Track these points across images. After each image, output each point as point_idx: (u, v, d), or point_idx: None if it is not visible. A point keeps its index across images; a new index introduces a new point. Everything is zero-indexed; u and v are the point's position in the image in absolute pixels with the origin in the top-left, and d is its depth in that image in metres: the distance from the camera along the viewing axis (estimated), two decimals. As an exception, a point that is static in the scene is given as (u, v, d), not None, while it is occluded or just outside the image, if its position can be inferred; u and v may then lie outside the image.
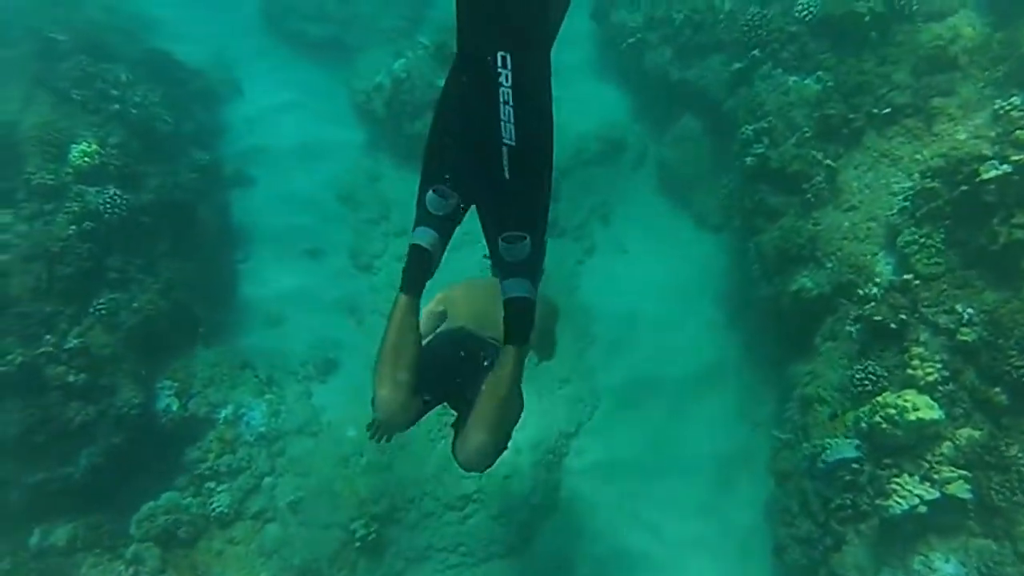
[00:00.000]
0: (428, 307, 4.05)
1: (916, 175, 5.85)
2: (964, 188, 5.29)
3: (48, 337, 6.14)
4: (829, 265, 6.16)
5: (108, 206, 6.73)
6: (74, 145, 6.94)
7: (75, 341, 6.24)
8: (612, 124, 8.81)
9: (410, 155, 8.83)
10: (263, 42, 10.60)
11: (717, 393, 7.31)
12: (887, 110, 6.29)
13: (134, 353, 6.77)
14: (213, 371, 7.43)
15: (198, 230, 7.89)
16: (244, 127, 9.74)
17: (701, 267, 7.99)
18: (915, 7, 6.57)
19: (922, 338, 5.29)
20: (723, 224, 7.94)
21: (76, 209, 6.58)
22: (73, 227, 6.52)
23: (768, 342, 7.13)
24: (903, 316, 5.36)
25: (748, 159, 6.71)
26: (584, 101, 8.77)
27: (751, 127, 6.90)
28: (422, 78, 8.49)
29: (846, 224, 6.22)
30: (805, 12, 7.02)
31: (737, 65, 7.42)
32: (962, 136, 5.80)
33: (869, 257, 5.98)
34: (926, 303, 5.37)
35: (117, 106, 7.50)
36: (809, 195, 6.36)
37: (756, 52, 7.26)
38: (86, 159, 6.86)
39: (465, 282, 4.47)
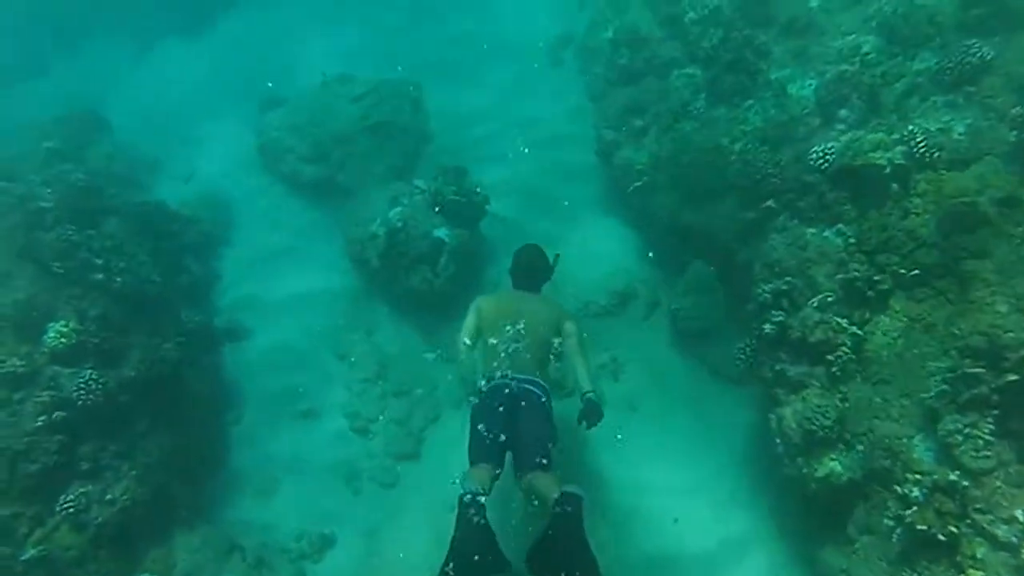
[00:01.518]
0: (467, 322, 6.07)
1: (954, 352, 5.28)
2: (1013, 377, 4.72)
3: (3, 548, 5.64)
4: (860, 447, 5.56)
5: (83, 392, 6.32)
6: (51, 324, 6.59)
7: (33, 551, 5.72)
8: (621, 271, 8.34)
9: (406, 308, 8.43)
10: (260, 181, 10.43)
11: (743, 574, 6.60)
12: (916, 271, 5.77)
13: (106, 550, 6.24)
14: (195, 557, 6.86)
15: (184, 398, 7.46)
16: (238, 274, 9.46)
17: (720, 426, 7.37)
18: (936, 155, 6.14)
19: (978, 554, 4.63)
20: (743, 378, 7.35)
21: (47, 398, 6.16)
22: (43, 418, 6.10)
23: (797, 515, 6.45)
24: (953, 527, 4.71)
25: (767, 327, 6.18)
26: (591, 244, 8.37)
27: (768, 287, 6.39)
28: (417, 227, 8.11)
29: (877, 400, 5.62)
30: (821, 160, 6.61)
31: (751, 215, 7.00)
32: (1002, 308, 5.22)
33: (905, 440, 5.36)
34: (978, 507, 4.74)
35: (100, 276, 7.17)
36: (835, 368, 5.80)
37: (771, 202, 6.84)
38: (62, 340, 6.49)
39: (488, 307, 6.14)
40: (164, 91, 12.24)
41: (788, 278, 6.38)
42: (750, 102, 7.75)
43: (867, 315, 5.94)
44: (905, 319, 5.79)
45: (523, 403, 5.46)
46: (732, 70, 7.81)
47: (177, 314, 7.99)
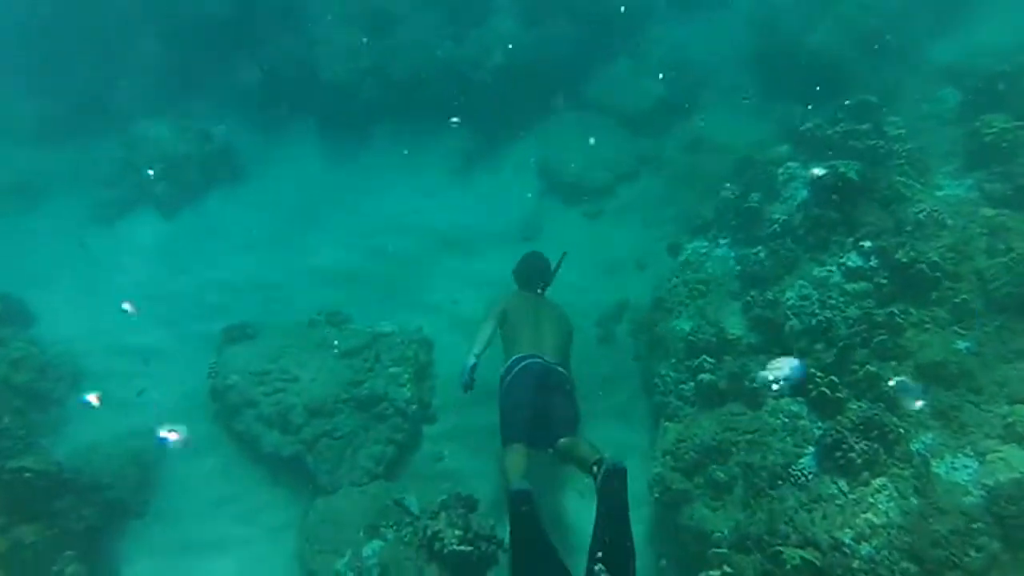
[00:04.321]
0: (493, 317, 6.44)
1: None
2: None
3: None
4: None
5: None
6: None
7: None
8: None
9: None
10: (208, 431, 7.88)
11: None
12: None
13: None
14: None
15: None
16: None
17: None
18: None
19: None
20: None
21: None
22: None
23: None
24: None
25: None
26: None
27: None
28: (403, 579, 5.65)
29: None
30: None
31: None
32: None
33: None
34: None
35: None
36: None
37: None
38: None
39: (515, 300, 6.79)
40: (118, 275, 10.07)
41: None
42: (882, 480, 5.61)
43: None
44: None
45: (553, 383, 5.87)
46: (863, 433, 5.70)
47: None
